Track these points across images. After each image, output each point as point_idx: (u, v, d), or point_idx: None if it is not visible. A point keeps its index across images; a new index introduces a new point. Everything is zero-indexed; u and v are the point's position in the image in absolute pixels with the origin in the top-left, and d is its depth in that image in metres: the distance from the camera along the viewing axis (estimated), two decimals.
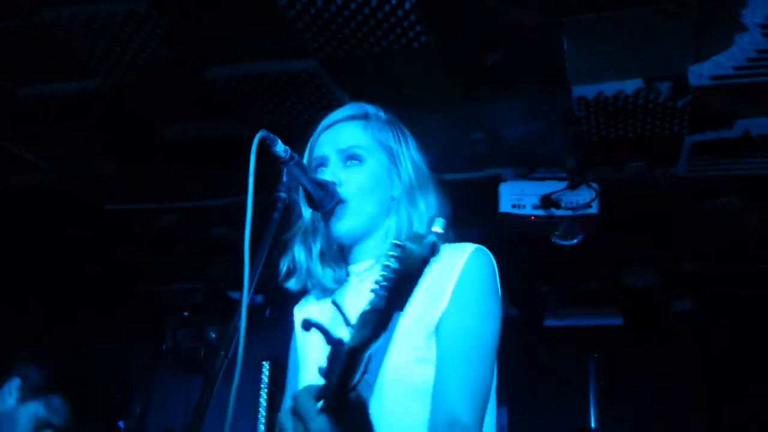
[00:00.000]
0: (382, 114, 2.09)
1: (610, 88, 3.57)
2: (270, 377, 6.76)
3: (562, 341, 6.76)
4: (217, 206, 5.10)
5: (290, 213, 2.02)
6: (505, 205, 4.40)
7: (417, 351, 1.80)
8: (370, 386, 1.76)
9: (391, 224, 1.98)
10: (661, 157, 4.25)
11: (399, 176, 2.02)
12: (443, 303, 1.83)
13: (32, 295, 6.04)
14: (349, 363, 1.42)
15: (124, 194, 5.05)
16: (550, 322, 6.80)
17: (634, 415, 6.59)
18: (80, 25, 3.21)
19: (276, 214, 1.68)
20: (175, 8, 3.12)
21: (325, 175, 1.96)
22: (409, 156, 2.04)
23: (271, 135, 1.69)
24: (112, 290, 6.62)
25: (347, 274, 2.03)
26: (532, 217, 4.40)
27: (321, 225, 2.01)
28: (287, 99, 3.73)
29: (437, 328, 1.82)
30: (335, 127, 2.04)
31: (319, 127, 2.07)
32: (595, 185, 4.34)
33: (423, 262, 1.31)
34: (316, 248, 2.03)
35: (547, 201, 4.33)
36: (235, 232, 5.49)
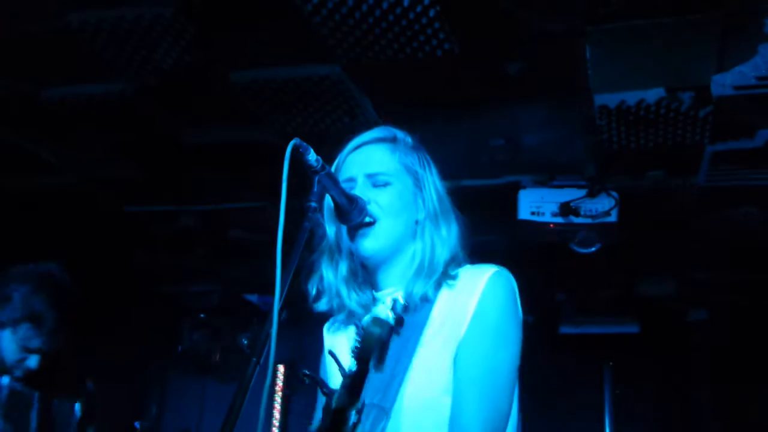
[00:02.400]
0: (409, 139, 2.09)
1: (632, 97, 3.57)
2: (285, 380, 6.77)
3: (578, 349, 6.73)
4: (235, 209, 5.12)
5: (313, 235, 2.01)
6: (524, 212, 4.39)
7: (437, 382, 1.80)
8: (387, 414, 1.77)
9: (416, 248, 1.97)
10: (681, 166, 4.23)
11: (423, 201, 2.02)
12: (462, 330, 1.83)
13: None
14: (334, 420, 1.56)
15: (143, 196, 5.08)
16: (565, 330, 6.77)
17: (650, 424, 6.57)
18: (106, 29, 3.23)
19: (307, 224, 1.67)
20: (202, 13, 3.13)
21: (355, 192, 1.95)
22: (433, 182, 2.05)
23: (304, 143, 1.69)
24: (129, 291, 6.64)
25: (373, 300, 2.00)
26: (551, 225, 4.38)
27: (345, 243, 2.00)
28: (310, 105, 3.73)
29: (455, 355, 1.82)
30: (363, 149, 2.04)
31: (347, 148, 2.07)
32: (614, 193, 4.33)
33: (378, 340, 1.49)
34: (343, 268, 2.02)
35: (566, 209, 4.32)
36: (252, 236, 5.53)
